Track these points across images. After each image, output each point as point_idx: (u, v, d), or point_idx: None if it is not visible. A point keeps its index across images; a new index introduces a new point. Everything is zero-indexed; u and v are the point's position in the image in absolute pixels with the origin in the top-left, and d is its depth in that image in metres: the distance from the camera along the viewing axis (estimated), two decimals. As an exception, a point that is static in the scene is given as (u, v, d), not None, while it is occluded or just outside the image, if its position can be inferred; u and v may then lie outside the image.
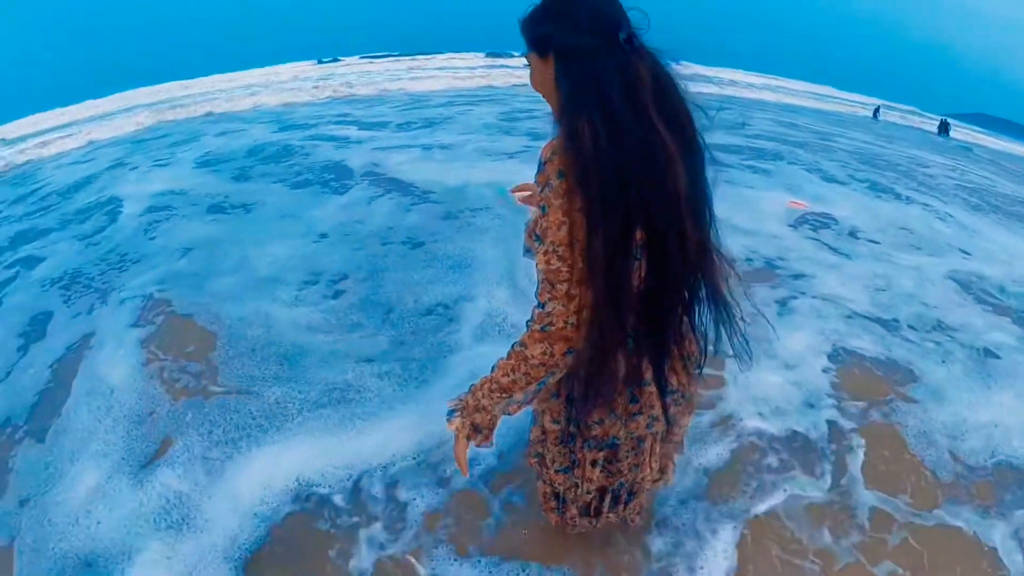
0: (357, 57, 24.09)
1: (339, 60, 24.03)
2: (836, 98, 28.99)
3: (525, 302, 3.59)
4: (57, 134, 13.16)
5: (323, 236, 4.96)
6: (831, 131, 13.58)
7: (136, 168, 8.02)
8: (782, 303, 3.97)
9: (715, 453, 2.62)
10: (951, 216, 6.64)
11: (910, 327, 3.79)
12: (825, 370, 3.25)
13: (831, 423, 2.86)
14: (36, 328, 3.92)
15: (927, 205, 7.00)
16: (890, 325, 3.80)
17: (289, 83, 17.72)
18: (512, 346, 1.29)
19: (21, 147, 12.39)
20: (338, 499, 2.40)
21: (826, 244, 5.10)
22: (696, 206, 1.23)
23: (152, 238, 5.25)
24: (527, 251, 1.40)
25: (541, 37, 1.24)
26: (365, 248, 4.64)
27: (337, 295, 3.96)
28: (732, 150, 8.43)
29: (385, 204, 5.65)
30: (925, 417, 2.95)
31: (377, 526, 2.29)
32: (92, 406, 2.97)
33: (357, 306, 3.80)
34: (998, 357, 3.55)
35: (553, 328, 1.21)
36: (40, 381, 3.30)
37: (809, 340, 3.49)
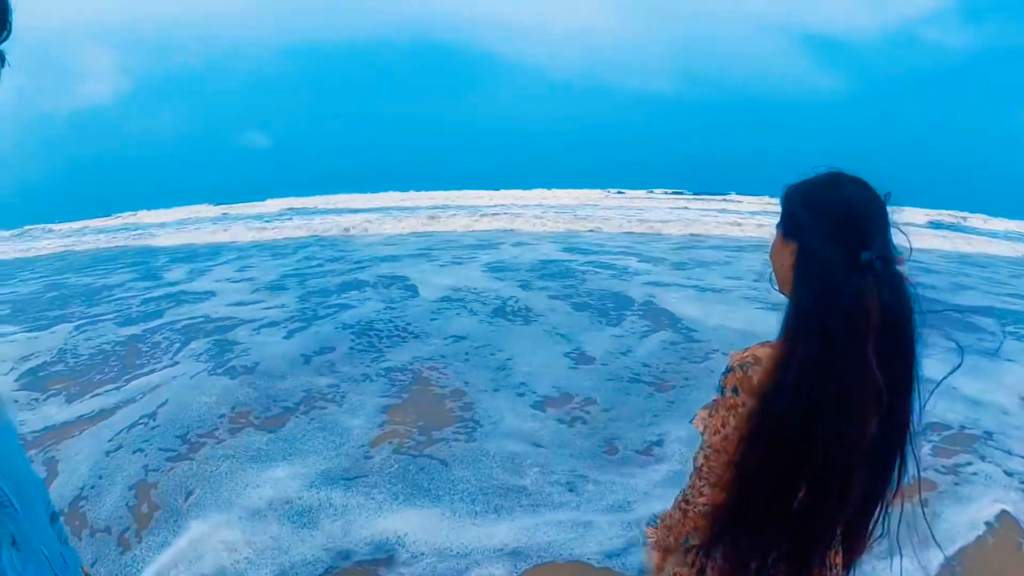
0: (644, 191, 25.16)
1: (623, 192, 25.26)
2: None
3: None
4: (364, 215, 15.37)
5: (584, 359, 5.15)
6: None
7: (435, 260, 9.15)
8: (963, 472, 3.69)
9: None
10: None
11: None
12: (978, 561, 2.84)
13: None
14: (320, 354, 5.15)
15: None
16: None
17: (576, 208, 18.96)
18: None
19: (335, 218, 14.68)
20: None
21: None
22: (879, 455, 1.15)
23: (435, 320, 5.89)
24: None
25: (791, 222, 1.20)
26: (615, 380, 4.76)
27: (566, 416, 4.22)
28: (996, 313, 7.27)
29: (651, 340, 5.73)
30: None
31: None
32: (328, 436, 3.88)
33: (579, 432, 4.03)
34: None
35: (688, 507, 1.22)
36: (298, 395, 4.42)
37: (973, 516, 3.17)
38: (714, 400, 1.18)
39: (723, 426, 1.13)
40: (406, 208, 17.76)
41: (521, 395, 4.41)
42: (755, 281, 8.61)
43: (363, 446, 3.75)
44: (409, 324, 5.81)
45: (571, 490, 3.43)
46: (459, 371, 4.76)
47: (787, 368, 1.06)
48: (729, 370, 1.14)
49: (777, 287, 1.27)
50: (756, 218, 18.72)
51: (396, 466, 3.54)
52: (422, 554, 2.84)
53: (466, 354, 5.08)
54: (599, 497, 3.38)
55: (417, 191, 23.60)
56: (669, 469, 3.63)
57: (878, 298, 1.06)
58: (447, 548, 2.88)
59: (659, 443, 3.90)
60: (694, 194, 25.33)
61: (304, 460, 3.58)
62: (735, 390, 1.12)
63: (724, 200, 23.99)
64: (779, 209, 1.27)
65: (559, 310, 6.60)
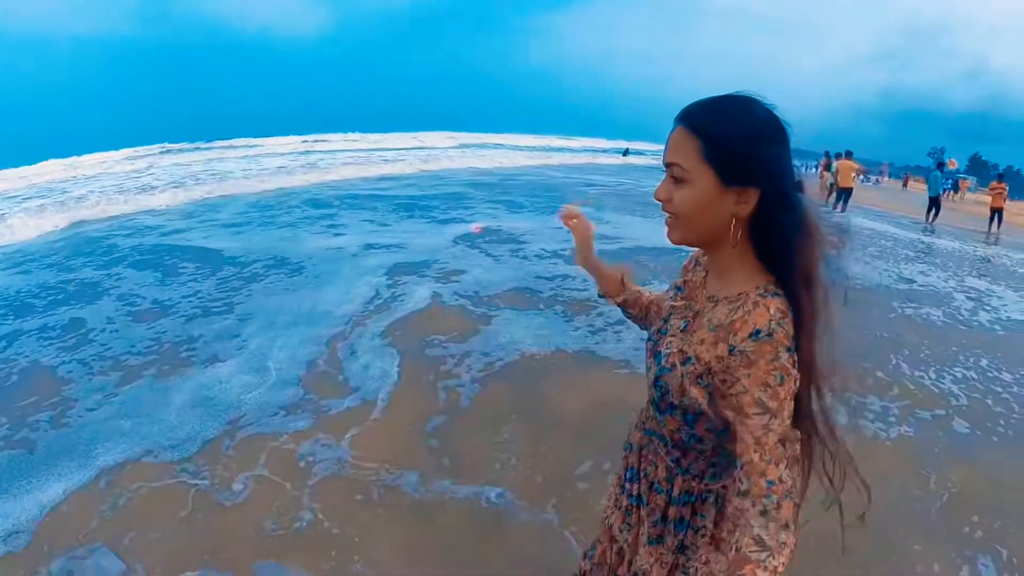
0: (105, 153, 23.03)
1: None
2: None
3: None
4: None
5: (153, 314, 5.68)
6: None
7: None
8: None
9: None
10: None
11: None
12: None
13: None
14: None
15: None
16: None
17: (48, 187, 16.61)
18: (764, 533, 0.94)
19: None
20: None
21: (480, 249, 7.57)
22: None
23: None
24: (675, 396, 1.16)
25: (736, 165, 1.02)
26: (190, 319, 5.53)
27: (150, 367, 4.51)
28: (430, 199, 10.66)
29: (211, 277, 6.68)
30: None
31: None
32: None
33: (161, 382, 4.29)
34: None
35: (799, 499, 1.04)
36: None
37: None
38: (772, 375, 0.98)
39: (795, 384, 1.01)
40: None
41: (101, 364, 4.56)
42: (267, 210, 10.15)
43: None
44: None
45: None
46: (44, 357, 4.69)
47: (807, 314, 1.03)
48: (768, 335, 0.99)
49: (680, 239, 1.12)
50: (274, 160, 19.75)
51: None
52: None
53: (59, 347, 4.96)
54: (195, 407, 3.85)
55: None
56: (254, 355, 4.57)
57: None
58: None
59: (243, 345, 4.84)
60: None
61: None
62: (789, 349, 1.00)
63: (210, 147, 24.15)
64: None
65: (125, 277, 6.77)
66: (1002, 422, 4.21)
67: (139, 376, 4.39)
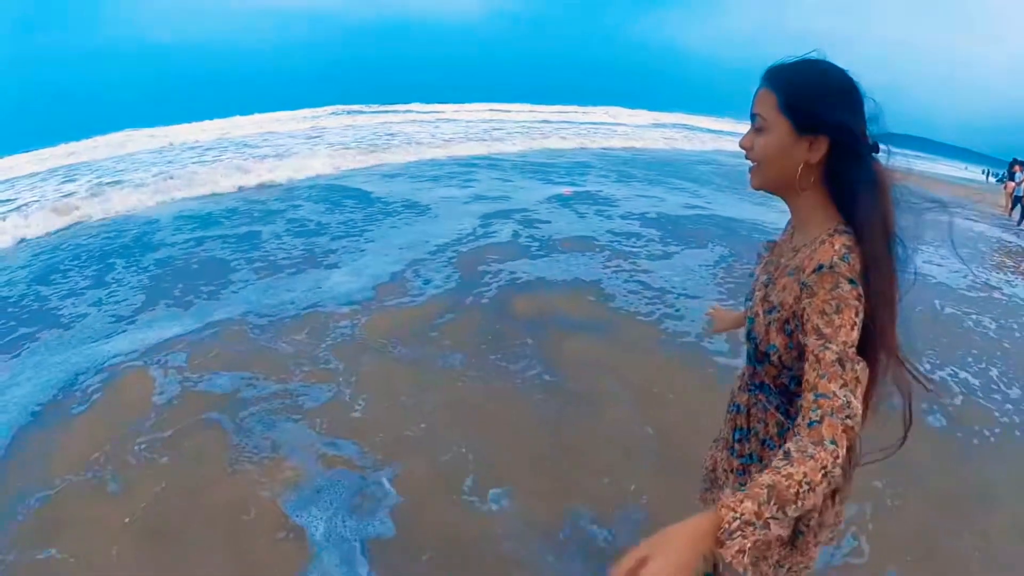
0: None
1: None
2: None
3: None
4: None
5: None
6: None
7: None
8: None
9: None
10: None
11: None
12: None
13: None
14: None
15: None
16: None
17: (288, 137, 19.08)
18: (792, 445, 0.91)
19: None
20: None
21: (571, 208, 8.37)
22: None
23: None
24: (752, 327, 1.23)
25: (809, 115, 1.09)
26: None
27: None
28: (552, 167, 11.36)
29: (358, 211, 8.21)
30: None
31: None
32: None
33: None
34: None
35: (854, 421, 0.93)
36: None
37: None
38: (820, 302, 1.02)
39: (857, 315, 1.01)
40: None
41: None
42: (421, 166, 11.43)
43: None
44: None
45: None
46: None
47: (879, 253, 1.06)
48: (830, 267, 1.04)
49: (759, 184, 1.19)
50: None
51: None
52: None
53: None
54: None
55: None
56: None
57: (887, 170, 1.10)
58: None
59: (358, 258, 6.19)
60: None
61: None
62: (852, 281, 1.03)
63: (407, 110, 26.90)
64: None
65: (301, 207, 8.54)
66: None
67: (281, 271, 5.79)
